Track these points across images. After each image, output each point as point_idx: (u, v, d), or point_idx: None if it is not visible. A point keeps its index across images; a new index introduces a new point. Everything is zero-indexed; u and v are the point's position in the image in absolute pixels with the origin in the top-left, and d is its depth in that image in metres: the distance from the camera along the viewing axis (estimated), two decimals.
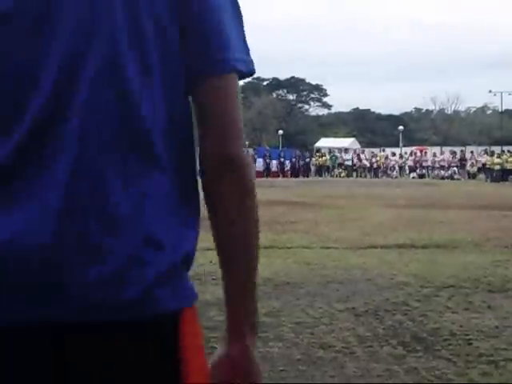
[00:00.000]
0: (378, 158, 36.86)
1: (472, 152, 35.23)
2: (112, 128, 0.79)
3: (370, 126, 62.41)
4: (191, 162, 0.87)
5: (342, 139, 49.24)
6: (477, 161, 33.75)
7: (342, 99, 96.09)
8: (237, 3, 0.89)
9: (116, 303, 0.78)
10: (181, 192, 0.85)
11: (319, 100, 69.88)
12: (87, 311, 0.78)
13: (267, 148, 37.81)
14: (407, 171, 36.93)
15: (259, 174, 29.11)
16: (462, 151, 36.11)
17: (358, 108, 67.30)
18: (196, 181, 0.88)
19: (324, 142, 47.13)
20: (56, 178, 0.77)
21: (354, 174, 36.95)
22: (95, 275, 0.77)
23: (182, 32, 0.82)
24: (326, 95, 69.03)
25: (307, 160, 34.87)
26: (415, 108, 66.67)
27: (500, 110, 55.72)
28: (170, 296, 0.82)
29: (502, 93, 50.63)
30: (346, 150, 39.25)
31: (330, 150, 39.40)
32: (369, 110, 67.04)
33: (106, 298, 0.78)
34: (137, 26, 0.79)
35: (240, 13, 0.89)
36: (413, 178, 34.52)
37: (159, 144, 0.82)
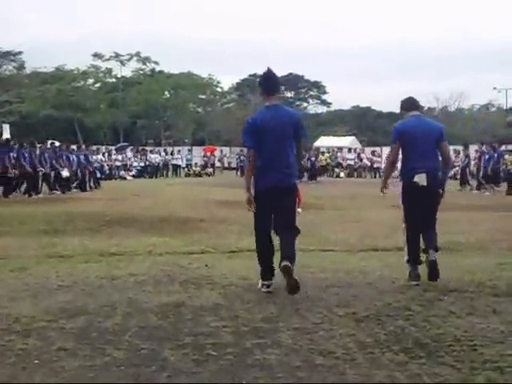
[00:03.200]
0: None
1: (476, 151, 35.12)
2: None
3: (370, 125, 62.50)
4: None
5: (341, 138, 49.28)
6: None
7: (341, 96, 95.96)
8: (302, 123, 5.74)
9: (286, 184, 5.37)
10: (294, 160, 5.43)
11: (318, 97, 69.99)
12: (282, 184, 5.32)
13: None
14: None
15: None
16: (464, 150, 35.98)
17: (358, 106, 67.36)
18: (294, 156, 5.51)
19: (323, 141, 47.16)
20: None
21: (355, 173, 36.94)
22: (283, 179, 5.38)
23: (294, 133, 5.44)
24: (325, 92, 69.21)
25: (312, 159, 32.39)
26: None
27: (505, 108, 55.87)
28: (292, 181, 5.43)
29: (506, 90, 50.82)
30: (349, 150, 39.18)
31: (329, 150, 39.40)
32: (369, 107, 67.09)
33: (285, 182, 5.35)
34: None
35: (304, 131, 5.74)
36: None
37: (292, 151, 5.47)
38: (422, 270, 5.78)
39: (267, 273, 5.41)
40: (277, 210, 5.36)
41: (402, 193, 6.00)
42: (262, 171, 5.33)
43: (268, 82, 5.50)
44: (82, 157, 21.78)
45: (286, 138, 5.33)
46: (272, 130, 5.27)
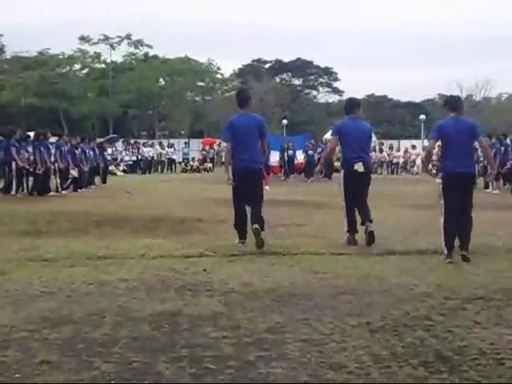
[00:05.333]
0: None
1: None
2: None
3: (386, 115, 62.39)
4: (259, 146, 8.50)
5: None
6: None
7: (355, 84, 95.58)
8: (265, 125, 8.64)
9: (256, 169, 8.31)
10: (260, 152, 8.41)
11: (329, 85, 69.94)
12: (251, 169, 8.15)
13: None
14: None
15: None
16: (492, 143, 35.93)
17: (373, 94, 67.29)
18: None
19: None
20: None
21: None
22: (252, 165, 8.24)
23: (259, 133, 8.31)
24: (336, 79, 69.12)
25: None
26: (439, 94, 66.65)
27: None
28: (259, 166, 8.42)
29: None
30: None
31: None
32: (385, 96, 67.08)
33: (253, 167, 8.19)
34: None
35: (266, 131, 8.65)
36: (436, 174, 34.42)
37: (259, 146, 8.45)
38: (442, 275, 5.72)
39: (242, 235, 8.22)
40: (249, 188, 8.04)
41: (343, 178, 8.57)
42: (238, 159, 8.13)
43: (240, 99, 8.41)
44: (97, 150, 22.07)
45: (253, 135, 8.12)
46: (243, 130, 8.05)
